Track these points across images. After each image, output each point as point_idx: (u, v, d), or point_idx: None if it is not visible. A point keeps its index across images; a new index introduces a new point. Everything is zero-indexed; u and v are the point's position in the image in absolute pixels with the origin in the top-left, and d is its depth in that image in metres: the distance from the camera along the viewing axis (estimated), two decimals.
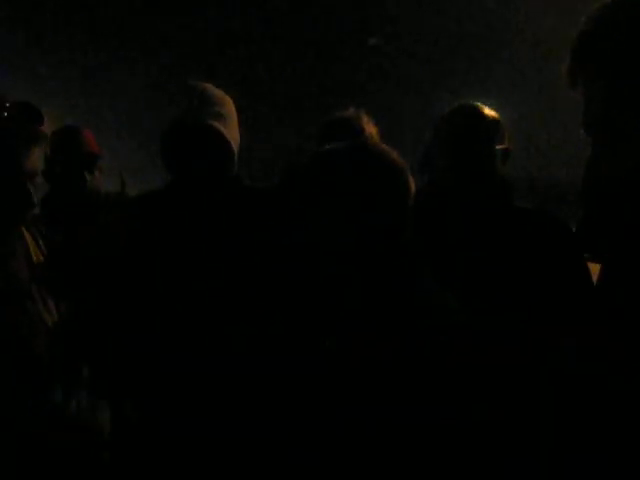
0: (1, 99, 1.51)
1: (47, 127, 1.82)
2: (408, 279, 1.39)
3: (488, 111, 2.06)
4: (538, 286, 1.83)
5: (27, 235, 1.66)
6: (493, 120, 2.05)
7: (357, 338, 1.32)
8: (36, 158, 1.55)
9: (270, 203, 1.98)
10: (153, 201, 2.17)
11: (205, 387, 1.85)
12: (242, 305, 1.88)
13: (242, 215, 2.03)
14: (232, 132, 2.05)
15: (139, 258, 2.03)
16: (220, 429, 1.79)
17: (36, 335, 1.56)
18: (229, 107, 2.09)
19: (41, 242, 1.73)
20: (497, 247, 1.92)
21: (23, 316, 1.53)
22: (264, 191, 2.11)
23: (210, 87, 2.09)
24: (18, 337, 1.50)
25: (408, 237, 1.42)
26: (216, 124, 1.98)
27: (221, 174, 2.07)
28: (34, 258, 1.66)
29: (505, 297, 1.79)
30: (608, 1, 0.80)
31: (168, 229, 2.04)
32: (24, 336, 1.51)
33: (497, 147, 2.02)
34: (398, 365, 1.27)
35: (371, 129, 2.34)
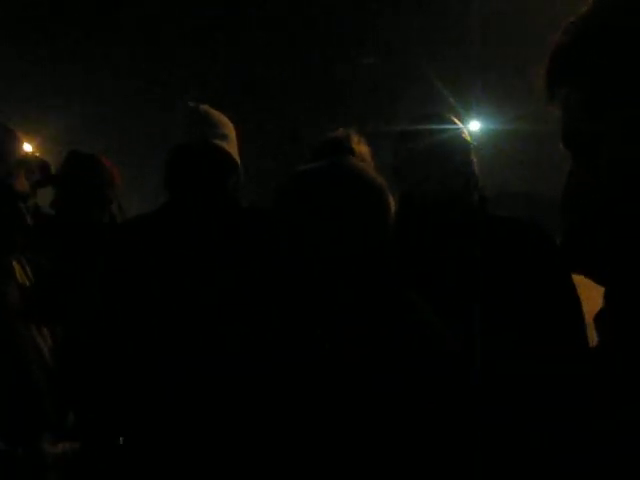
0: None
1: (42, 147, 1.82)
2: (393, 291, 1.41)
3: (453, 119, 2.05)
4: (520, 298, 1.81)
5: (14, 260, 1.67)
6: (459, 130, 2.04)
7: (348, 333, 1.34)
8: (24, 180, 1.55)
9: (263, 222, 2.01)
10: (150, 220, 2.20)
11: (202, 386, 1.86)
12: (236, 309, 1.90)
13: (236, 233, 2.06)
14: (235, 152, 2.10)
15: (133, 275, 2.05)
16: (217, 428, 1.81)
17: (30, 361, 1.55)
18: (230, 128, 2.18)
19: (27, 268, 1.73)
20: (475, 258, 1.91)
21: (17, 341, 1.52)
22: (260, 211, 2.15)
23: (210, 109, 2.17)
24: (11, 362, 1.49)
25: (389, 253, 1.43)
26: (223, 144, 2.02)
27: (223, 193, 2.11)
28: (22, 283, 1.66)
29: (487, 310, 1.79)
30: (584, 12, 0.79)
31: (164, 247, 2.07)
32: (18, 361, 1.51)
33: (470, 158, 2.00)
34: (387, 357, 1.30)
35: (362, 149, 2.34)
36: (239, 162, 2.15)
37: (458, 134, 2.01)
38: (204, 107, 2.16)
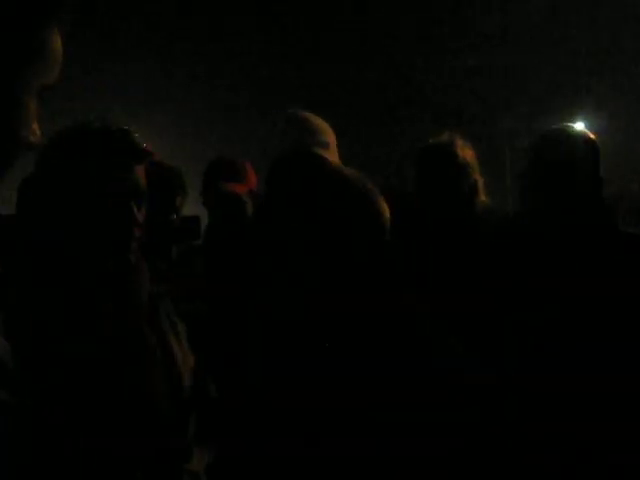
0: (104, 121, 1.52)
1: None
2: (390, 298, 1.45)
3: (586, 134, 2.07)
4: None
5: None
6: (592, 142, 2.05)
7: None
8: (139, 176, 1.53)
9: None
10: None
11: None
12: None
13: None
14: (336, 160, 2.14)
15: None
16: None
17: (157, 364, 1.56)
18: (331, 135, 2.17)
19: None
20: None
21: (146, 344, 1.55)
22: None
23: (310, 115, 2.17)
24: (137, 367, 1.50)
25: (388, 263, 1.46)
26: (323, 152, 2.07)
27: None
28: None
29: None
30: None
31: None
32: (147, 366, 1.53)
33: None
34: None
35: (466, 153, 2.36)
36: None
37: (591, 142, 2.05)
38: (303, 114, 2.16)
